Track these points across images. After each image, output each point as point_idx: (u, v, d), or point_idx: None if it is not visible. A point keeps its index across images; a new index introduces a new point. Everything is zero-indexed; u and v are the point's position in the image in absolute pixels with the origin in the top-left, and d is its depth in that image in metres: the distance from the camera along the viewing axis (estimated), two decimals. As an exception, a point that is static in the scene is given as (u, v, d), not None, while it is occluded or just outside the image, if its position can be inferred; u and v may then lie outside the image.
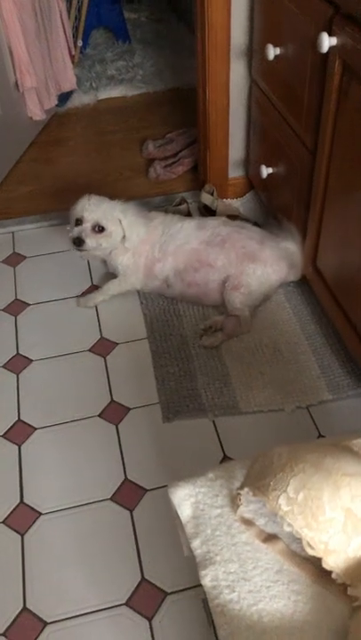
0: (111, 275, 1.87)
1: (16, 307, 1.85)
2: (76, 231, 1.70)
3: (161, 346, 1.70)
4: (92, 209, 1.70)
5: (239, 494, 0.79)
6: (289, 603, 0.73)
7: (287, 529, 0.70)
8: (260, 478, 0.75)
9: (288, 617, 0.72)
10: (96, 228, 1.70)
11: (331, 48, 1.28)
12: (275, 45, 1.60)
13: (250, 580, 0.76)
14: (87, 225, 1.70)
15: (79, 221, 1.71)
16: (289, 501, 0.70)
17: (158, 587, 1.21)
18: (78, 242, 1.69)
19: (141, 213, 1.80)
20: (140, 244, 1.76)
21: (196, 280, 1.73)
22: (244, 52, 1.90)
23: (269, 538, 0.79)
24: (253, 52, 1.85)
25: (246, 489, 0.77)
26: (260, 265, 1.69)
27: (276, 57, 1.62)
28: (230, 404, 1.53)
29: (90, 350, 1.71)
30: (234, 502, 0.82)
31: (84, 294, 1.87)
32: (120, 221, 1.71)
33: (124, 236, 1.73)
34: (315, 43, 1.30)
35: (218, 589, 0.75)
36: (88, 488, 1.38)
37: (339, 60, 1.28)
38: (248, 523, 0.81)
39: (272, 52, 1.61)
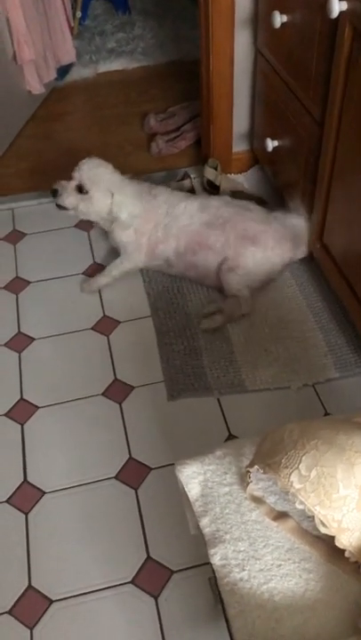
0: (114, 252, 1.83)
1: (17, 285, 1.82)
2: (58, 185, 1.67)
3: (165, 324, 1.67)
4: (84, 169, 1.66)
5: (249, 472, 0.77)
6: (300, 581, 0.72)
7: (299, 507, 0.69)
8: (271, 455, 0.73)
9: (300, 595, 0.70)
10: (80, 189, 1.66)
11: (341, 13, 1.23)
12: (281, 12, 1.55)
13: (260, 559, 0.74)
14: (72, 182, 1.66)
15: (69, 178, 1.68)
16: (301, 479, 0.68)
17: (164, 565, 1.20)
18: (54, 193, 1.66)
19: (144, 191, 1.74)
20: (143, 222, 1.71)
21: (195, 262, 1.70)
22: (249, 20, 1.84)
23: (280, 516, 0.78)
24: (259, 20, 1.79)
25: (256, 466, 0.75)
26: (260, 248, 1.64)
27: (282, 25, 1.57)
28: (236, 382, 1.51)
29: (92, 329, 1.68)
30: (243, 480, 0.80)
31: (85, 273, 1.83)
32: (112, 195, 1.66)
33: (111, 212, 1.68)
34: (324, 8, 1.25)
35: (227, 568, 0.74)
36: (92, 467, 1.37)
37: (349, 27, 1.23)
38: (258, 500, 0.79)
39: (279, 19, 1.55)
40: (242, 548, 0.75)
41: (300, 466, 0.69)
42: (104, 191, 1.66)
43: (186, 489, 0.83)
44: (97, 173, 1.66)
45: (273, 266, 1.68)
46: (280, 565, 0.73)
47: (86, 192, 1.65)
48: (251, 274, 1.65)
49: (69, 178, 1.68)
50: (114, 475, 1.35)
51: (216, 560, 0.75)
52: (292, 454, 0.70)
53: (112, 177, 1.69)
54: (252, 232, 1.65)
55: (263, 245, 1.65)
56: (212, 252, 1.67)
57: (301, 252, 1.71)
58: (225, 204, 1.72)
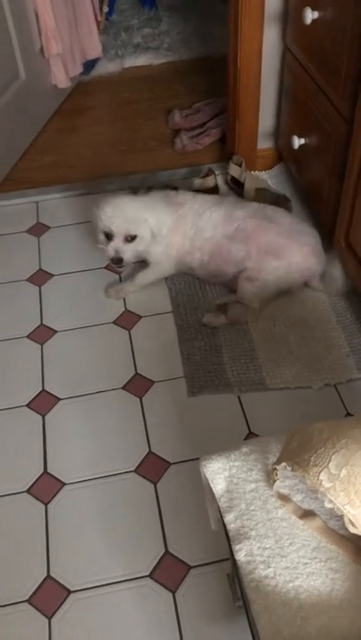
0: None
1: (40, 277, 1.83)
2: (111, 250, 1.64)
3: (186, 320, 1.67)
4: (118, 220, 1.61)
5: (276, 469, 0.77)
6: (327, 580, 0.71)
7: (328, 506, 0.68)
8: (300, 453, 0.73)
9: (326, 595, 0.70)
10: (128, 238, 1.63)
11: (375, 9, 1.22)
12: (313, 8, 1.53)
13: (286, 557, 0.74)
14: (118, 239, 1.63)
15: (108, 235, 1.64)
16: (331, 477, 0.68)
17: (182, 560, 1.20)
18: (118, 261, 1.64)
19: (167, 201, 1.71)
20: (171, 235, 1.69)
21: (217, 272, 1.69)
22: (278, 16, 1.82)
23: (306, 514, 0.77)
24: (289, 17, 1.78)
25: (284, 464, 0.74)
26: (283, 263, 1.60)
27: (313, 21, 1.55)
28: (256, 379, 1.50)
29: (114, 323, 1.69)
30: (270, 477, 0.80)
31: (108, 268, 1.83)
32: (147, 220, 1.63)
33: (153, 233, 1.65)
34: (357, 4, 1.24)
35: (252, 565, 0.74)
36: (112, 460, 1.37)
37: (383, 23, 1.22)
38: (284, 498, 0.79)
39: (310, 15, 1.54)
40: (267, 545, 0.75)
41: (329, 464, 0.68)
42: (143, 223, 1.63)
43: (211, 484, 0.82)
44: (130, 215, 1.62)
45: (294, 281, 1.65)
46: (306, 564, 0.73)
47: (134, 237, 1.64)
48: (268, 287, 1.62)
49: (106, 234, 1.64)
50: (133, 468, 1.35)
51: (241, 556, 0.75)
52: (321, 453, 0.70)
53: (139, 206, 1.65)
54: (276, 246, 1.61)
55: (287, 261, 1.61)
56: (233, 265, 1.65)
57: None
58: (250, 216, 1.66)
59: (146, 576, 1.19)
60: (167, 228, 1.67)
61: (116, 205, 1.63)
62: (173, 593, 1.16)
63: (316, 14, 1.54)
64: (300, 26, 1.61)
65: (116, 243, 1.63)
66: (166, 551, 1.22)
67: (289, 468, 0.73)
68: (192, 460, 1.35)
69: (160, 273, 1.76)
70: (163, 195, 1.74)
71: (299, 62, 1.75)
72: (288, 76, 1.88)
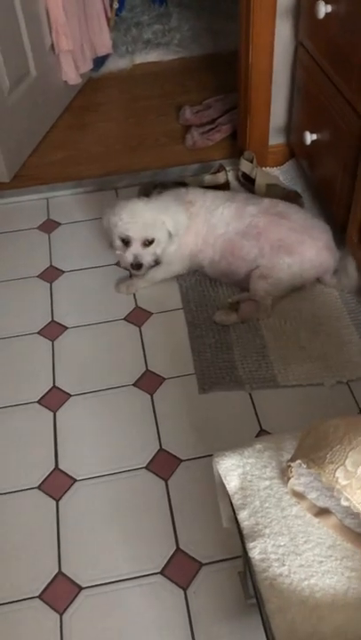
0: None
1: (51, 273, 1.83)
2: (130, 256, 1.62)
3: (197, 316, 1.66)
4: (136, 225, 1.59)
5: (290, 466, 0.76)
6: (342, 579, 0.71)
7: (344, 503, 0.67)
8: (315, 450, 0.72)
9: (342, 593, 0.69)
10: (146, 242, 1.62)
11: (391, 2, 1.21)
12: (326, 2, 1.52)
13: (301, 555, 0.73)
14: (137, 244, 1.61)
15: (126, 241, 1.62)
16: (347, 475, 0.67)
17: (193, 557, 1.20)
18: (138, 267, 1.63)
19: (180, 200, 1.69)
20: (185, 233, 1.67)
21: (228, 270, 1.68)
22: (290, 10, 1.81)
23: (321, 512, 0.76)
24: (301, 11, 1.76)
25: (299, 461, 0.74)
26: (296, 259, 1.59)
27: (326, 15, 1.54)
28: (268, 377, 1.49)
29: (125, 319, 1.68)
30: (284, 474, 0.79)
31: (118, 264, 1.83)
32: (164, 222, 1.61)
33: (170, 234, 1.64)
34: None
35: (267, 562, 0.73)
36: (123, 456, 1.37)
37: None
38: (299, 496, 0.78)
39: (323, 9, 1.52)
40: (282, 543, 0.74)
41: (346, 462, 0.68)
42: (160, 225, 1.62)
43: (224, 481, 0.82)
44: (147, 219, 1.60)
45: (308, 277, 1.64)
46: (321, 562, 0.72)
47: (152, 240, 1.62)
48: (282, 284, 1.61)
49: (123, 240, 1.62)
50: (144, 465, 1.35)
51: (255, 554, 0.74)
52: (337, 450, 0.69)
53: (154, 209, 1.62)
54: (288, 242, 1.60)
55: (300, 256, 1.59)
56: (245, 262, 1.64)
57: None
58: (261, 212, 1.65)
59: (157, 573, 1.18)
60: (184, 228, 1.66)
61: (132, 210, 1.61)
62: (185, 590, 1.16)
63: (329, 8, 1.52)
64: (313, 20, 1.60)
65: (135, 248, 1.62)
66: (178, 548, 1.21)
67: (304, 466, 0.72)
68: (203, 457, 1.35)
69: (171, 272, 1.75)
70: (174, 194, 1.73)
71: (311, 57, 1.74)
72: (300, 71, 1.87)
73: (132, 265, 1.64)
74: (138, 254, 1.62)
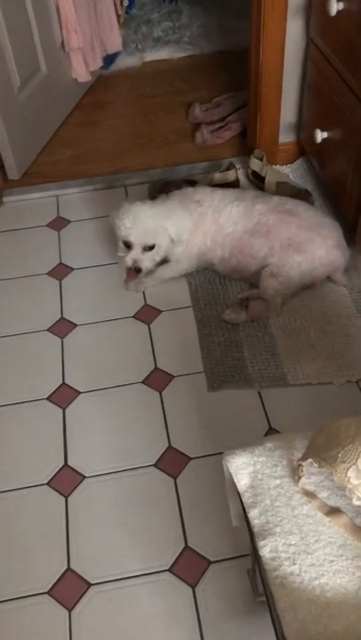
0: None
1: (60, 271, 1.83)
2: (130, 260, 1.63)
3: (206, 314, 1.66)
4: (137, 230, 1.60)
5: (301, 465, 0.76)
6: (354, 578, 0.70)
7: (356, 503, 0.67)
8: (326, 450, 0.72)
9: (353, 593, 0.69)
10: (146, 248, 1.63)
11: None
12: (338, -1, 1.51)
13: (312, 554, 0.73)
14: (137, 249, 1.62)
15: (127, 244, 1.64)
16: (359, 474, 0.67)
17: (202, 555, 1.20)
18: (137, 271, 1.64)
19: (186, 200, 1.69)
20: (193, 234, 1.67)
21: (238, 267, 1.68)
22: (302, 8, 1.80)
23: (332, 511, 0.76)
24: (313, 8, 1.75)
25: (310, 460, 0.74)
26: (306, 257, 1.58)
27: (338, 12, 1.53)
28: (277, 375, 1.49)
29: (134, 317, 1.69)
30: (295, 473, 0.79)
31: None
32: (166, 229, 1.62)
33: (172, 239, 1.64)
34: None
35: (277, 561, 0.73)
36: (132, 453, 1.37)
37: None
38: (310, 495, 0.78)
39: (335, 6, 1.52)
40: (293, 542, 0.74)
41: (358, 461, 0.67)
42: (162, 232, 1.62)
43: (235, 479, 0.82)
44: (149, 225, 1.60)
45: (318, 275, 1.63)
46: (332, 561, 0.72)
47: (152, 246, 1.63)
48: (292, 282, 1.61)
49: (125, 243, 1.63)
50: (153, 463, 1.35)
51: (266, 552, 0.74)
52: (349, 449, 0.69)
53: (156, 214, 1.62)
54: (298, 240, 1.59)
55: (310, 255, 1.59)
56: (255, 261, 1.64)
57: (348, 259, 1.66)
58: (270, 210, 1.64)
59: (166, 570, 1.19)
60: (187, 233, 1.66)
61: (135, 216, 1.61)
62: (193, 588, 1.16)
63: (341, 5, 1.51)
64: (325, 17, 1.59)
65: (135, 253, 1.63)
66: (186, 546, 1.21)
67: (315, 465, 0.72)
68: (212, 455, 1.35)
69: (180, 271, 1.76)
70: (180, 197, 1.72)
71: (323, 54, 1.73)
72: (311, 68, 1.86)
73: (135, 270, 1.64)
74: (137, 259, 1.63)
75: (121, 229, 1.62)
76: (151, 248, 1.63)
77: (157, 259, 1.66)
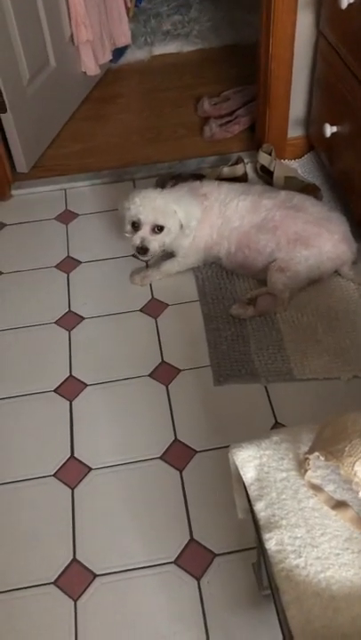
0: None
1: (68, 264, 1.84)
2: (138, 239, 1.63)
3: (213, 309, 1.66)
4: (147, 209, 1.60)
5: (308, 459, 0.76)
6: (359, 572, 0.70)
7: (363, 496, 0.67)
8: (333, 443, 0.72)
9: (358, 586, 0.69)
10: (155, 229, 1.62)
11: None
12: (349, -8, 1.50)
13: (318, 547, 0.73)
14: (146, 228, 1.62)
15: (135, 224, 1.63)
16: (366, 468, 0.67)
17: (207, 548, 1.21)
18: (144, 251, 1.63)
19: (193, 193, 1.69)
20: (200, 226, 1.67)
21: (244, 262, 1.68)
22: (312, 1, 1.79)
23: (339, 505, 0.76)
24: (323, 1, 1.74)
25: (317, 453, 0.74)
26: (313, 252, 1.58)
27: (349, 5, 1.52)
28: (284, 370, 1.49)
29: (141, 310, 1.69)
30: (301, 466, 0.79)
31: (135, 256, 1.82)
32: (175, 212, 1.62)
33: (181, 225, 1.64)
34: None
35: (283, 554, 0.73)
36: (138, 446, 1.37)
37: None
38: (316, 488, 0.78)
39: (346, -1, 1.51)
40: (299, 535, 0.74)
41: (365, 455, 0.67)
42: (171, 214, 1.62)
43: (241, 472, 0.82)
44: (158, 206, 1.60)
45: (326, 270, 1.63)
46: (338, 554, 0.72)
47: (161, 228, 1.63)
48: (299, 277, 1.60)
49: (133, 223, 1.63)
50: (159, 455, 1.36)
51: (271, 545, 0.74)
52: (356, 443, 0.69)
53: (167, 197, 1.63)
54: (305, 235, 1.59)
55: (317, 249, 1.59)
56: (261, 256, 1.64)
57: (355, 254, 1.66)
58: (277, 205, 1.64)
59: (171, 562, 1.19)
60: (196, 221, 1.65)
61: (145, 196, 1.62)
62: (198, 580, 1.17)
63: (352, -2, 1.50)
64: (336, 10, 1.58)
65: (144, 232, 1.63)
66: (191, 538, 1.22)
67: (322, 458, 0.72)
68: (218, 448, 1.35)
69: (186, 265, 1.76)
70: (188, 187, 1.73)
71: (333, 48, 1.72)
72: (321, 62, 1.85)
73: (138, 248, 1.64)
74: (145, 238, 1.62)
75: (130, 209, 1.62)
76: (160, 230, 1.62)
77: (167, 241, 1.65)
